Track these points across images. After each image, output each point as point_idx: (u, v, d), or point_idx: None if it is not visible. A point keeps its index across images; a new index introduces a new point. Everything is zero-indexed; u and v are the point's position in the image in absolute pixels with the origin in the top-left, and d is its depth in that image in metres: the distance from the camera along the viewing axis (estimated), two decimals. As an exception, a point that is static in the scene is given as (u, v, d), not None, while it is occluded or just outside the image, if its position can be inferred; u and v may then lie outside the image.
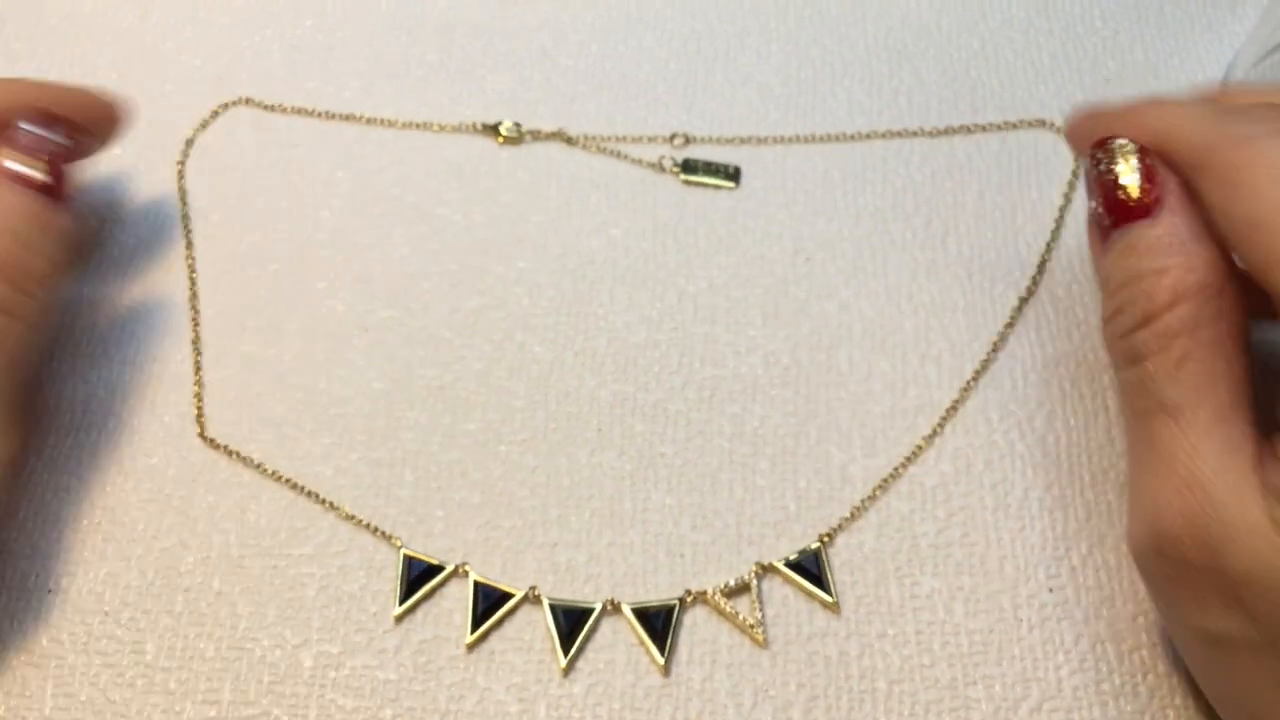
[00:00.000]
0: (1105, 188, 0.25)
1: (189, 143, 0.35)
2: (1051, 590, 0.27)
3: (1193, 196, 0.24)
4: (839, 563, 0.28)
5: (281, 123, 0.36)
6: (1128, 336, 0.24)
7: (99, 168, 0.34)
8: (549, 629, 0.26)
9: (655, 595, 0.27)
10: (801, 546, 0.28)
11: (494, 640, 0.27)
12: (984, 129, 0.35)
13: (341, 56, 0.38)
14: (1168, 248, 0.24)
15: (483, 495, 0.29)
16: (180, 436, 0.30)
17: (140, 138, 0.35)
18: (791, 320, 0.32)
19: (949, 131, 0.35)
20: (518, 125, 0.35)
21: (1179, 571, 0.22)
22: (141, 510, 0.29)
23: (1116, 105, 0.26)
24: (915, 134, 0.35)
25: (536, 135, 0.35)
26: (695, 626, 0.27)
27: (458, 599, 0.27)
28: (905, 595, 0.27)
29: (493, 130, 0.35)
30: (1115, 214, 0.25)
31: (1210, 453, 0.22)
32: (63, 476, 0.29)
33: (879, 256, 0.33)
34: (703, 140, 0.35)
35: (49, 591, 0.27)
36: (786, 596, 0.27)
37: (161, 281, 0.33)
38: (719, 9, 0.39)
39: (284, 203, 0.34)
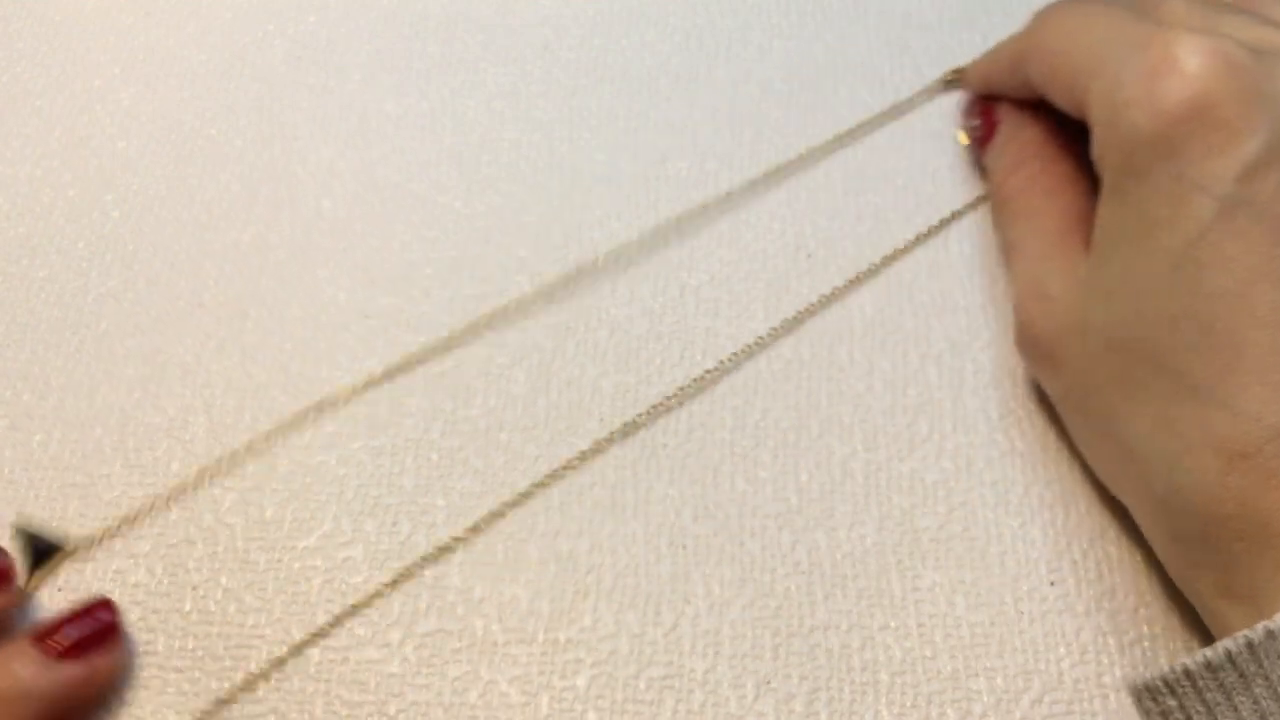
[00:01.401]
0: (968, 131, 0.35)
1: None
2: (1053, 584, 0.27)
3: (1024, 107, 0.32)
4: (840, 555, 0.28)
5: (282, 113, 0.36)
6: (996, 188, 0.32)
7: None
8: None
9: (657, 586, 0.27)
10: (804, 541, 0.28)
11: (497, 632, 0.27)
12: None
13: (344, 51, 0.38)
14: (999, 149, 0.33)
15: (484, 484, 0.29)
16: (184, 429, 0.30)
17: (142, 133, 0.35)
18: (793, 316, 0.32)
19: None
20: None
21: (1033, 352, 0.29)
22: (147, 503, 0.28)
23: (972, 66, 0.35)
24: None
25: None
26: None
27: (460, 591, 0.27)
28: (907, 588, 0.27)
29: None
30: (977, 145, 0.34)
31: (1043, 265, 0.28)
32: (67, 472, 0.29)
33: (880, 254, 0.33)
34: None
35: (59, 590, 0.27)
36: (789, 590, 0.27)
37: (163, 273, 0.32)
38: (721, 4, 0.39)
39: (285, 192, 0.34)
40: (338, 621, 0.27)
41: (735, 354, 0.31)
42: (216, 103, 0.36)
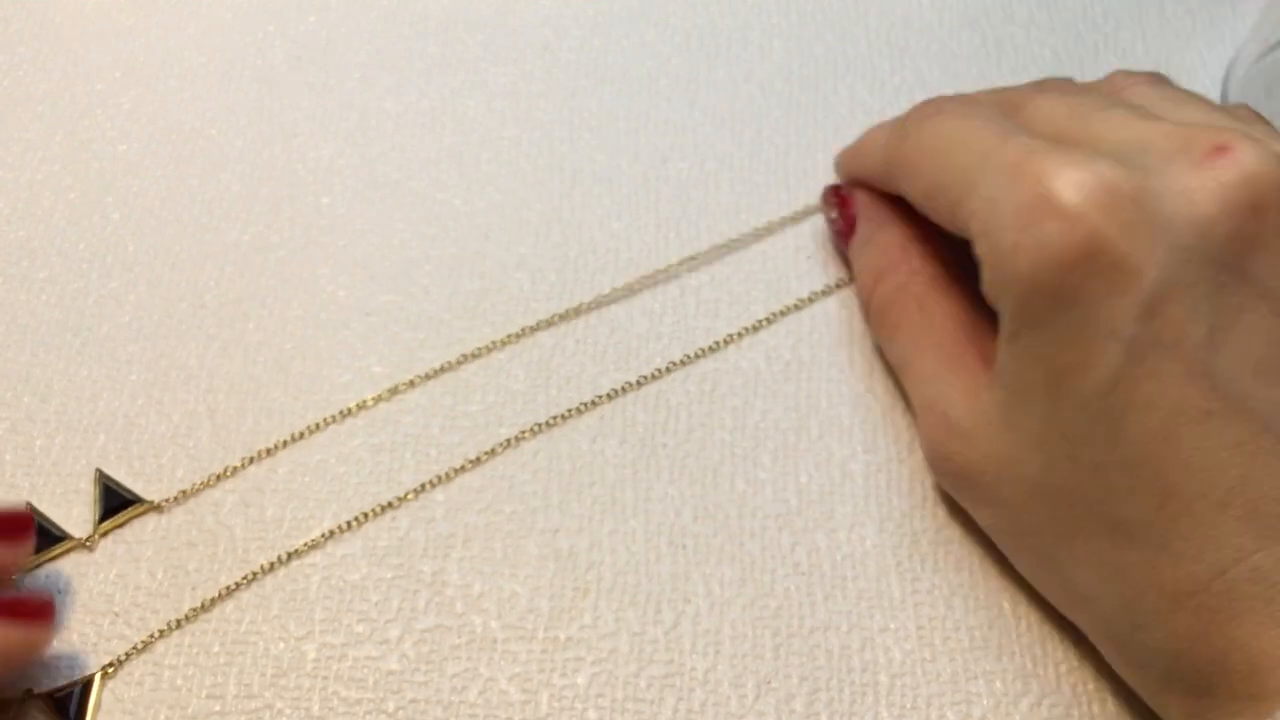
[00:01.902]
0: (829, 222, 0.33)
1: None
2: (1052, 585, 0.27)
3: (884, 201, 0.31)
4: (840, 557, 0.28)
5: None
6: (866, 322, 0.31)
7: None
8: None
9: (657, 585, 0.27)
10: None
11: (496, 629, 0.27)
12: None
13: (344, 51, 0.38)
14: (861, 248, 0.31)
15: (484, 479, 0.29)
16: (187, 434, 0.30)
17: (143, 135, 0.35)
18: (793, 316, 0.32)
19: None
20: None
21: (953, 484, 0.27)
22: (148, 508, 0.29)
23: (841, 157, 0.33)
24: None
25: None
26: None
27: (460, 587, 0.27)
28: (906, 590, 0.27)
29: None
30: (839, 237, 0.32)
31: (940, 388, 0.27)
32: (70, 478, 0.29)
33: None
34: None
35: (59, 593, 0.27)
36: (789, 590, 0.27)
37: (164, 275, 0.33)
38: (721, 4, 0.39)
39: (285, 191, 0.34)
40: (336, 618, 0.27)
41: (735, 354, 0.31)
42: (217, 103, 0.36)
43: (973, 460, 0.26)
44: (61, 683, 0.26)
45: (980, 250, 0.24)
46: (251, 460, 0.29)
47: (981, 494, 0.26)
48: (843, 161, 0.33)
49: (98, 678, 0.26)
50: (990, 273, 0.24)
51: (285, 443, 0.29)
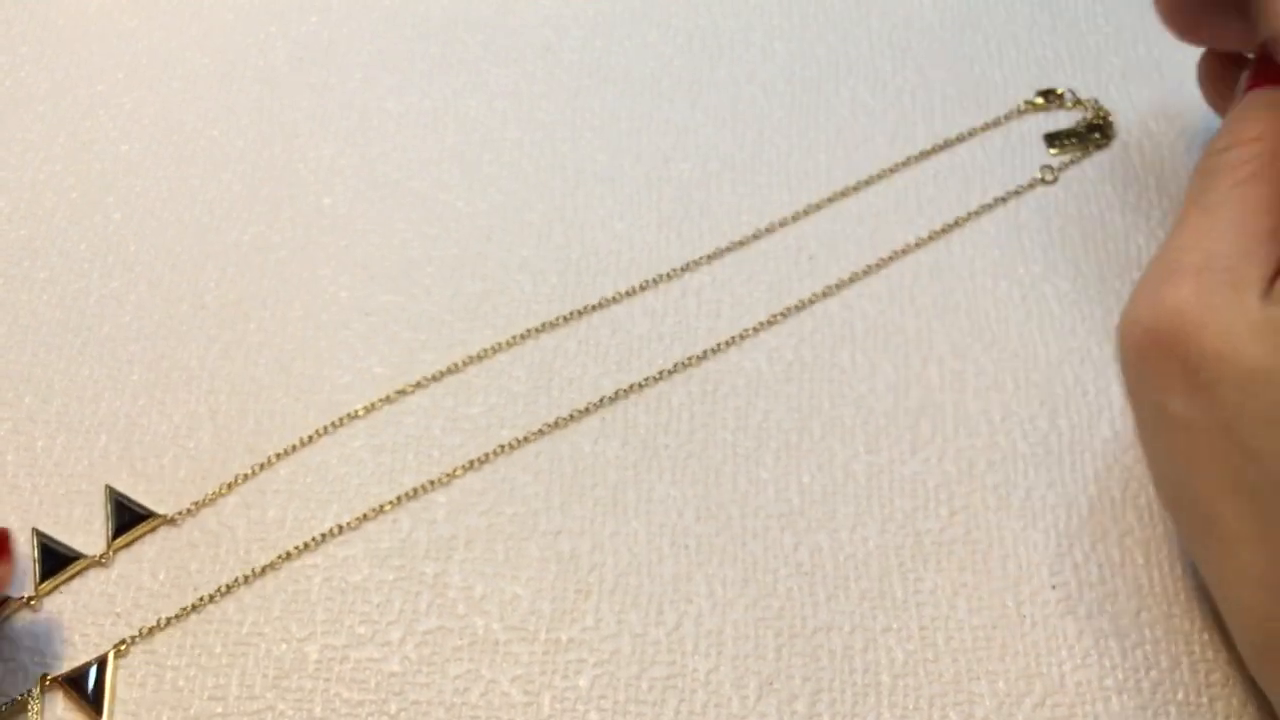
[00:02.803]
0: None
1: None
2: (1054, 587, 0.27)
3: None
4: (842, 557, 0.28)
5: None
6: (1216, 154, 0.26)
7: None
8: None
9: (659, 586, 0.27)
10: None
11: (498, 630, 0.27)
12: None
13: (345, 51, 0.38)
14: (1267, 103, 0.27)
15: (485, 481, 0.29)
16: (189, 435, 0.30)
17: (144, 135, 0.35)
18: (795, 317, 0.32)
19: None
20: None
21: (1158, 349, 0.24)
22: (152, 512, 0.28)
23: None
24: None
25: None
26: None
27: (461, 589, 0.27)
28: (909, 591, 0.27)
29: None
30: (1253, 81, 0.28)
31: (1227, 246, 0.24)
32: (72, 479, 0.29)
33: (881, 255, 0.33)
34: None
35: (60, 593, 0.27)
36: (792, 591, 0.27)
37: (165, 275, 0.33)
38: (723, 5, 0.39)
39: (285, 191, 0.34)
40: (337, 619, 0.27)
41: (737, 355, 0.31)
42: (218, 104, 0.36)
43: (1213, 340, 0.23)
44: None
45: None
46: (262, 467, 0.29)
47: (1199, 382, 0.23)
48: None
49: (111, 655, 0.26)
50: None
51: (293, 448, 0.29)
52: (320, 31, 0.38)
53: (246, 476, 0.29)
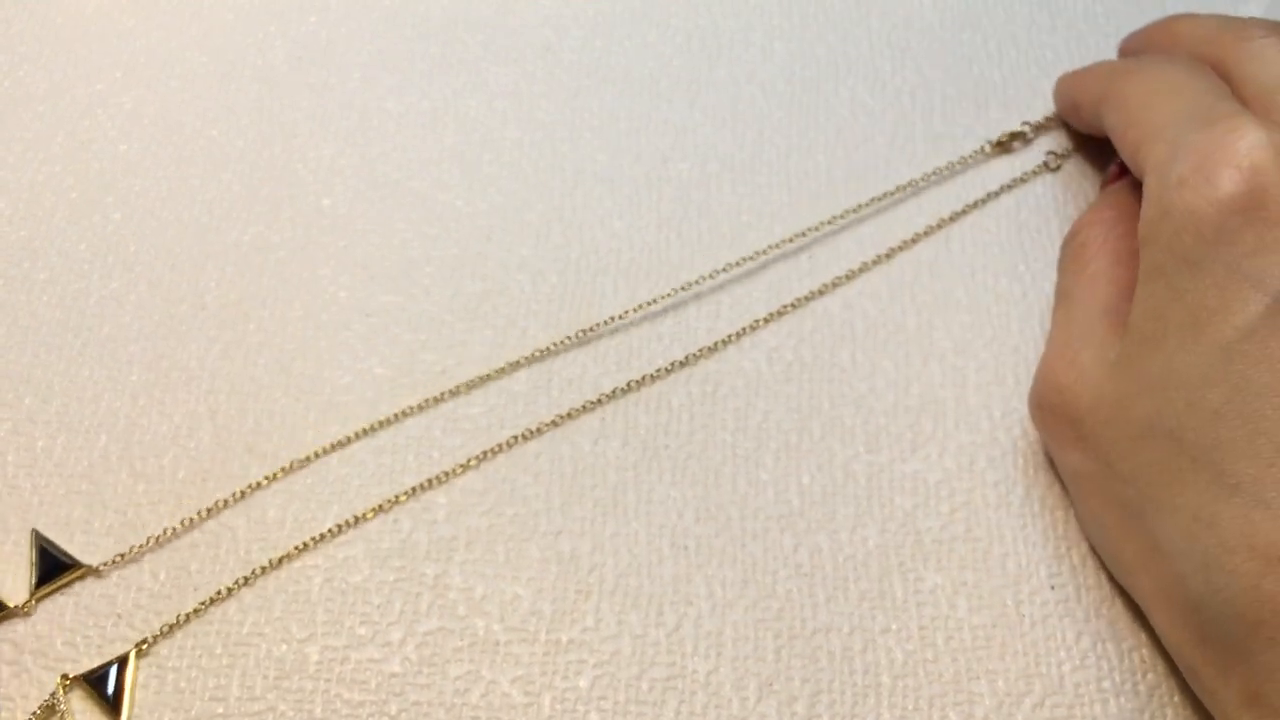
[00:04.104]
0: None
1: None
2: (1053, 587, 0.27)
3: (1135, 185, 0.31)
4: (842, 558, 0.28)
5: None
6: (1069, 245, 0.31)
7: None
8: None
9: (659, 587, 0.27)
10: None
11: (498, 631, 0.27)
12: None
13: (345, 51, 0.38)
14: (1103, 193, 0.32)
15: (485, 481, 0.29)
16: (189, 435, 0.30)
17: (144, 135, 0.35)
18: (794, 317, 0.32)
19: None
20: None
21: (1052, 417, 0.28)
22: (152, 511, 0.28)
23: (1063, 79, 0.35)
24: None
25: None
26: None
27: (462, 590, 0.27)
28: (909, 591, 0.27)
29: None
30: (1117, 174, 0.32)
31: (1083, 332, 0.28)
32: (72, 479, 0.29)
33: (881, 253, 0.33)
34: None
35: (61, 594, 0.27)
36: (791, 592, 0.27)
37: (165, 275, 0.33)
38: (723, 5, 0.39)
39: (285, 191, 0.34)
40: (338, 620, 0.27)
41: (737, 355, 0.31)
42: (218, 104, 0.36)
43: (1083, 397, 0.26)
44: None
45: (1149, 184, 0.26)
46: (258, 486, 0.29)
47: (1081, 434, 0.26)
48: (1063, 83, 0.35)
49: (133, 654, 0.26)
50: (1152, 208, 0.25)
51: (286, 443, 0.29)
52: (319, 31, 0.38)
53: (254, 485, 0.29)
